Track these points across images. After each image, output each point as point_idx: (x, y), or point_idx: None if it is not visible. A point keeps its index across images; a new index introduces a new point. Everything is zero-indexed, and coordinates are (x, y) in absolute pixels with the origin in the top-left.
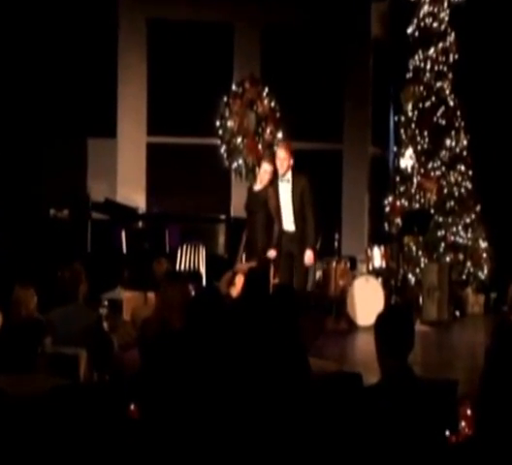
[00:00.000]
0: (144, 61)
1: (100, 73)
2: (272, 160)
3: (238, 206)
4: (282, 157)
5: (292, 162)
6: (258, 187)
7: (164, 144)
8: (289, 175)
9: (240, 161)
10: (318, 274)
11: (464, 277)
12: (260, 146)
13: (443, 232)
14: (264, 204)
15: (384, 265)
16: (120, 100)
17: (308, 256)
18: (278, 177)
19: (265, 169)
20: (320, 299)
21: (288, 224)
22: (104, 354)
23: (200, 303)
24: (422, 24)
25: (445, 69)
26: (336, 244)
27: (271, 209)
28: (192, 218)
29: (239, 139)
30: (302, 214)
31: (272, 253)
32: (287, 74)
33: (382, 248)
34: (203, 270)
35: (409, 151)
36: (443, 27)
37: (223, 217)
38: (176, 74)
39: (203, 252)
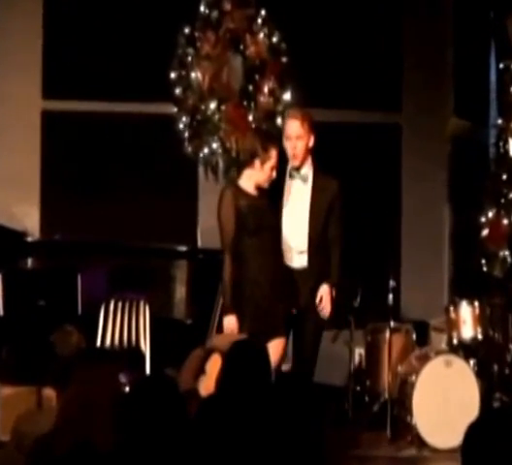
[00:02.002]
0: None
1: None
2: (274, 141)
3: (210, 229)
4: (295, 134)
5: (312, 143)
6: (258, 187)
7: (74, 114)
8: (307, 170)
9: (215, 145)
10: (357, 354)
11: None
12: (251, 117)
13: None
14: (269, 222)
15: (480, 336)
16: None
17: (324, 293)
18: (285, 171)
19: (272, 154)
20: (361, 400)
21: (295, 255)
22: None
23: (141, 406)
24: None
25: None
26: (389, 298)
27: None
28: (128, 251)
29: (212, 105)
30: (323, 240)
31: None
32: None
33: (476, 305)
34: (146, 348)
35: None
36: None
37: (184, 249)
38: None
39: (146, 313)
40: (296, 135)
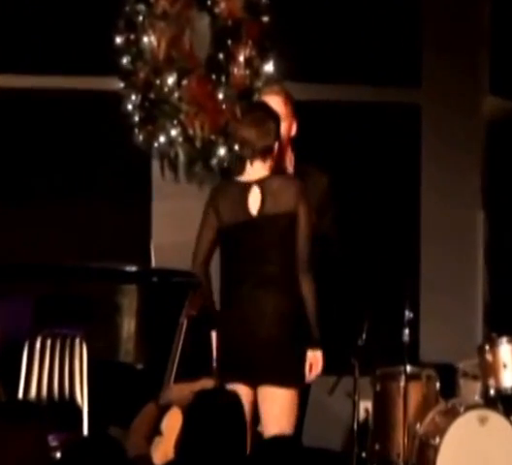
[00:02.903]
0: None
1: None
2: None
3: (167, 244)
4: (286, 111)
5: (294, 132)
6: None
7: None
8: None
9: (174, 131)
10: (363, 408)
11: None
12: (220, 95)
13: None
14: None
15: None
16: None
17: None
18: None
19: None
20: None
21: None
22: None
23: None
24: None
25: None
26: (405, 334)
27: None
28: (59, 274)
29: (169, 80)
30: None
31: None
32: None
33: None
34: (83, 400)
35: None
36: None
37: (133, 269)
38: None
39: (83, 355)
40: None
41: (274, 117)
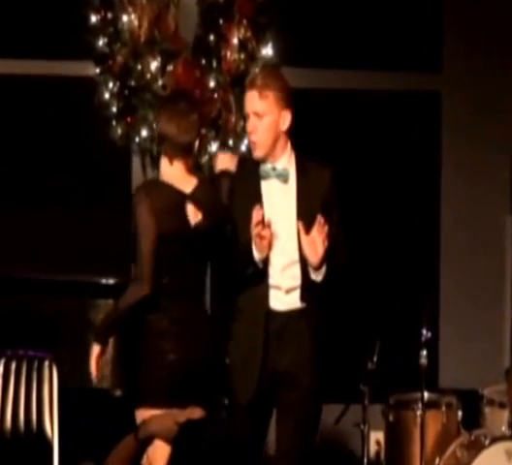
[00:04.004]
0: None
1: None
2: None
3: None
4: (252, 109)
5: (286, 125)
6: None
7: None
8: (285, 163)
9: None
10: (374, 440)
11: None
12: (211, 83)
13: None
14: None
15: None
16: None
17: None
18: (254, 171)
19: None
20: None
21: (281, 293)
22: None
23: None
24: None
25: None
26: (422, 356)
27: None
28: (25, 287)
29: (152, 65)
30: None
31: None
32: None
33: None
34: (53, 432)
35: None
36: None
37: (111, 282)
38: None
39: (53, 380)
40: (252, 110)
41: (197, 109)
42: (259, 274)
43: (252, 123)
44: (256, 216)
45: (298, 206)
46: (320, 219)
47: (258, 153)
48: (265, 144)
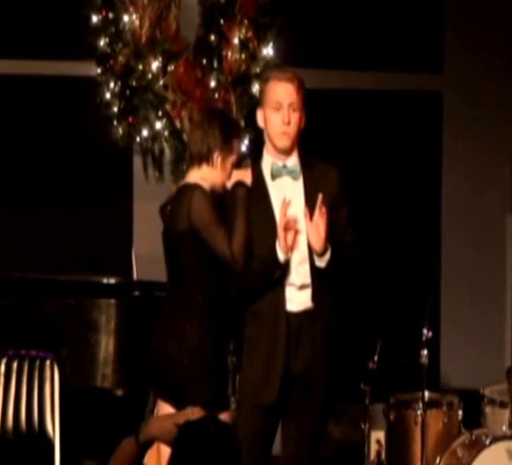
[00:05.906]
0: None
1: None
2: (238, 127)
3: (150, 253)
4: (289, 100)
5: (303, 122)
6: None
7: None
8: (294, 160)
9: (159, 124)
10: (375, 440)
11: None
12: (212, 83)
13: None
14: None
15: None
16: None
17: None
18: (260, 169)
19: (235, 146)
20: None
21: (296, 291)
22: None
23: None
24: None
25: None
26: (423, 356)
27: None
28: (26, 287)
29: (153, 65)
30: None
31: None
32: None
33: None
34: (54, 432)
35: None
36: None
37: (112, 282)
38: None
39: (55, 380)
40: (289, 101)
41: (224, 126)
42: (279, 276)
43: (288, 114)
44: (283, 208)
45: (306, 202)
46: (320, 198)
47: (286, 144)
48: (294, 137)
